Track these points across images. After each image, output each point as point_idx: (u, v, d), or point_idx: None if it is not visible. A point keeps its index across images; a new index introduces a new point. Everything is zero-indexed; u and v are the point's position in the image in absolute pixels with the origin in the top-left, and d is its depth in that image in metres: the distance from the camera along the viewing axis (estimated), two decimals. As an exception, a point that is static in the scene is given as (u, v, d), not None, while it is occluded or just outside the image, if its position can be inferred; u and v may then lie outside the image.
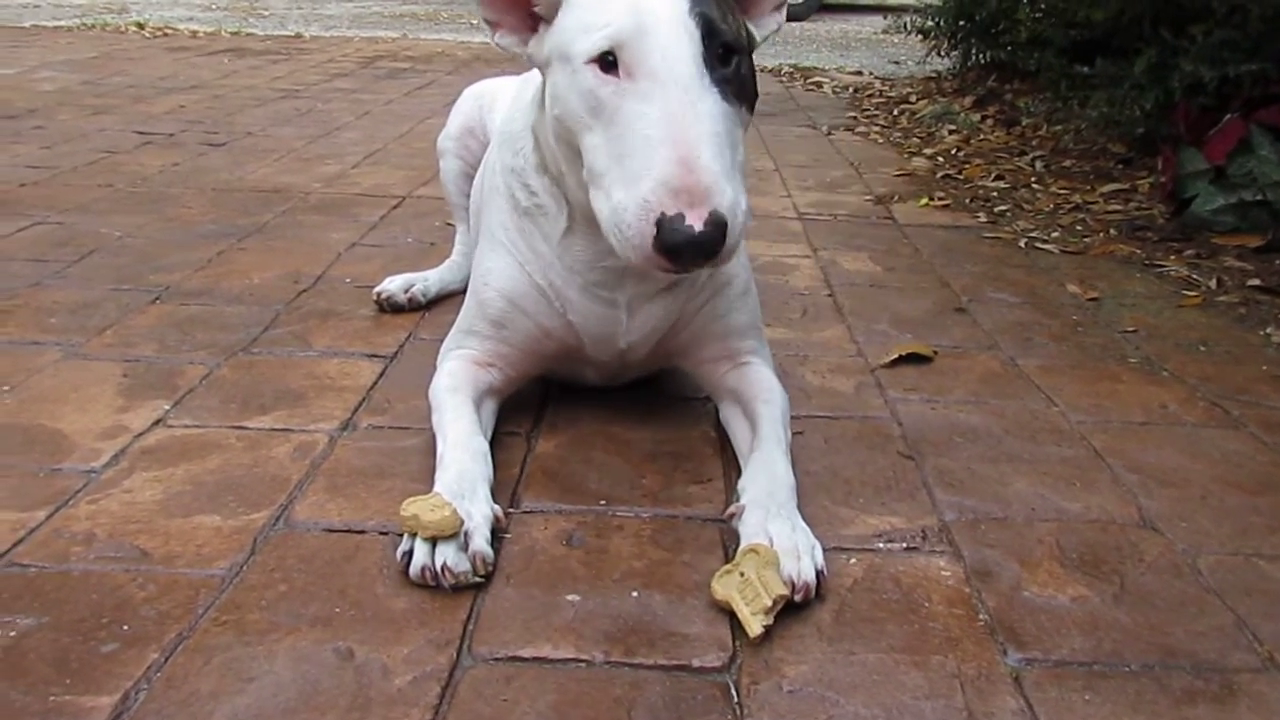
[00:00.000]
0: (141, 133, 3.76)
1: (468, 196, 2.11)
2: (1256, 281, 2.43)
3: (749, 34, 1.38)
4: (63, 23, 7.47)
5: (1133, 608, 1.21)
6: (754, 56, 1.37)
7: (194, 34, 7.12)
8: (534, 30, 1.39)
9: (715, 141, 1.19)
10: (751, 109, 1.32)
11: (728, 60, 1.26)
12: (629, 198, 1.18)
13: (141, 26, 7.35)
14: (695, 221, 1.15)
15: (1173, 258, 2.62)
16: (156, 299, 2.09)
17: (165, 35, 6.99)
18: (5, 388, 1.67)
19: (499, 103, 1.99)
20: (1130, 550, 1.33)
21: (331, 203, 2.89)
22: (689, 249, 1.16)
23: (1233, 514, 1.43)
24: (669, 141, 1.17)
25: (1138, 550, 1.33)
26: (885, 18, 5.39)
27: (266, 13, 9.10)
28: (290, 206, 2.83)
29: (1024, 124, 4.20)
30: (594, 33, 1.25)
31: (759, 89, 1.38)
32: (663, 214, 1.15)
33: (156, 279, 2.20)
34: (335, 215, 2.77)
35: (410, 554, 1.20)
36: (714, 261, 1.20)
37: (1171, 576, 1.28)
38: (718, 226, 1.16)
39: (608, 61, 1.24)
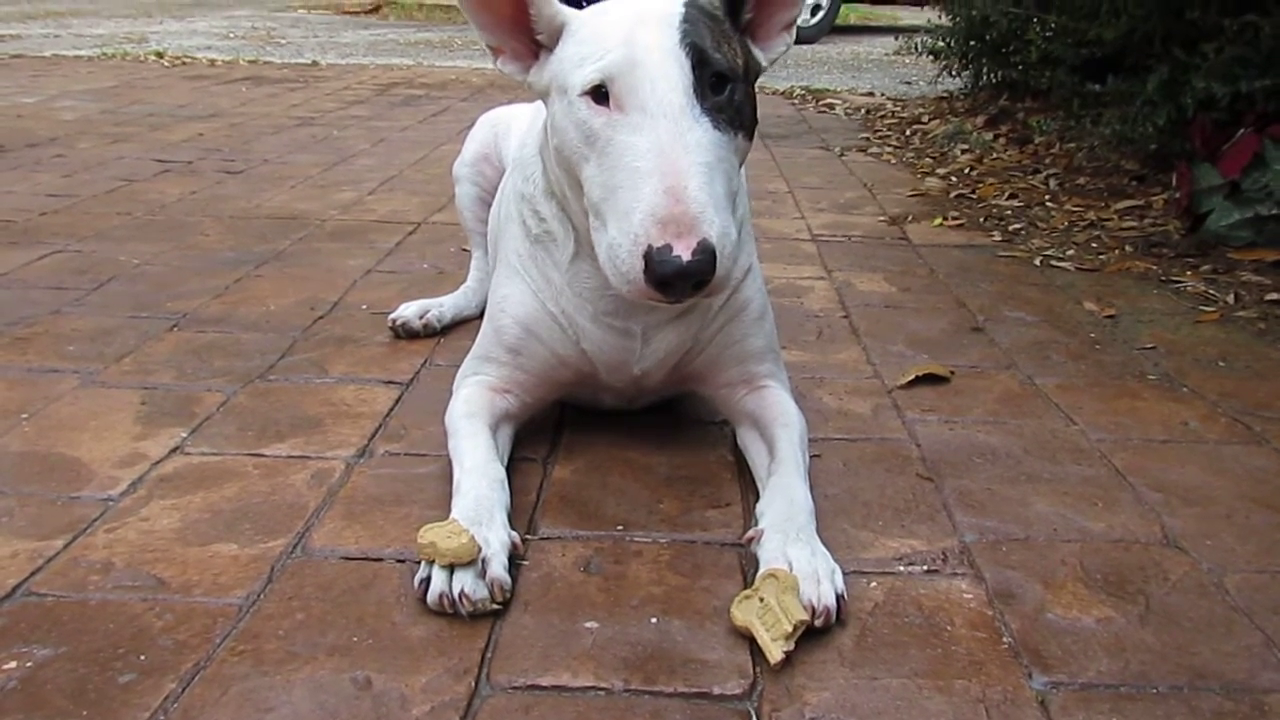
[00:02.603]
0: (160, 160, 3.79)
1: (483, 222, 2.11)
2: (1275, 296, 2.41)
3: (752, 59, 1.38)
4: (83, 52, 7.55)
5: (1159, 628, 1.20)
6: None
7: (212, 63, 7.19)
8: (536, 58, 1.40)
9: (704, 171, 1.20)
10: (750, 135, 1.33)
11: (720, 89, 1.27)
12: (620, 233, 1.20)
13: (161, 56, 7.42)
14: (683, 251, 1.15)
15: (1189, 273, 2.61)
16: (174, 326, 2.10)
17: (184, 64, 7.06)
18: (24, 415, 1.68)
19: (514, 130, 2.00)
20: (1155, 570, 1.32)
21: (348, 229, 2.91)
22: (677, 279, 1.16)
23: (1258, 531, 1.42)
24: (657, 173, 1.18)
25: (1162, 570, 1.32)
26: (896, 39, 5.39)
27: (284, 41, 9.18)
28: (307, 233, 2.85)
29: (1037, 142, 4.19)
30: (588, 65, 1.26)
31: (758, 114, 1.37)
32: (650, 246, 1.16)
33: (174, 306, 2.22)
34: (351, 242, 2.78)
35: (428, 581, 1.20)
36: (705, 291, 1.21)
37: (1197, 596, 1.26)
38: (706, 255, 1.16)
39: (601, 93, 1.25)
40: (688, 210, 1.16)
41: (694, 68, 1.24)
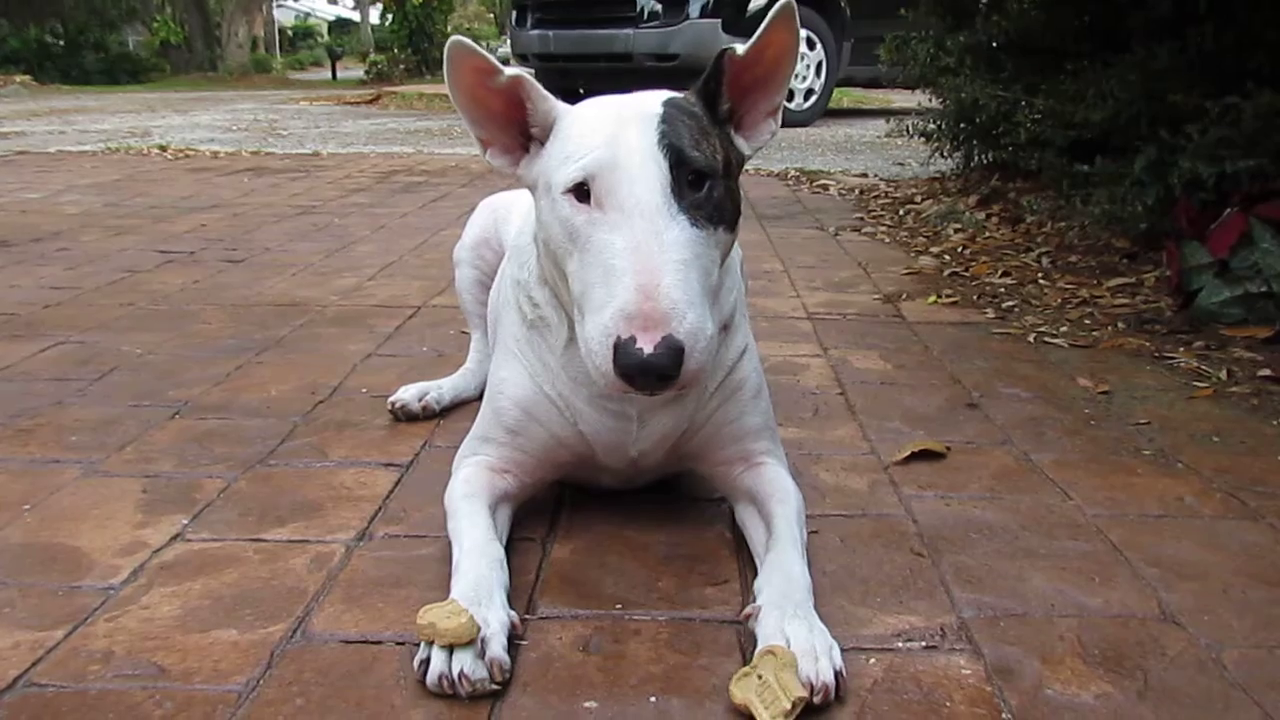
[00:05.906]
0: (163, 251, 3.85)
1: (483, 305, 2.15)
2: (1267, 372, 2.43)
3: (734, 151, 1.42)
4: (87, 148, 7.70)
5: (1158, 705, 1.20)
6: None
7: (215, 155, 7.33)
8: (525, 150, 1.44)
9: (679, 269, 1.23)
10: (732, 227, 1.37)
11: (699, 186, 1.31)
12: (594, 326, 1.24)
13: (164, 149, 7.57)
14: (646, 345, 1.19)
15: (1182, 350, 2.63)
16: (176, 414, 2.12)
17: (187, 157, 7.19)
18: (26, 506, 1.69)
19: (513, 215, 2.04)
20: (1153, 645, 1.32)
21: (348, 315, 2.94)
22: (640, 372, 1.20)
23: (1255, 607, 1.42)
24: (631, 271, 1.22)
25: (1160, 645, 1.32)
26: (888, 121, 5.50)
27: (286, 133, 9.36)
28: (308, 320, 2.88)
29: (1028, 221, 4.25)
30: (570, 163, 1.31)
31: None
32: (618, 339, 1.20)
33: (176, 394, 2.24)
34: (352, 327, 2.81)
35: (428, 662, 1.20)
36: (676, 384, 1.23)
37: (1195, 672, 1.26)
38: (670, 350, 1.19)
39: (582, 191, 1.30)
40: (657, 306, 1.20)
41: (672, 167, 1.29)
